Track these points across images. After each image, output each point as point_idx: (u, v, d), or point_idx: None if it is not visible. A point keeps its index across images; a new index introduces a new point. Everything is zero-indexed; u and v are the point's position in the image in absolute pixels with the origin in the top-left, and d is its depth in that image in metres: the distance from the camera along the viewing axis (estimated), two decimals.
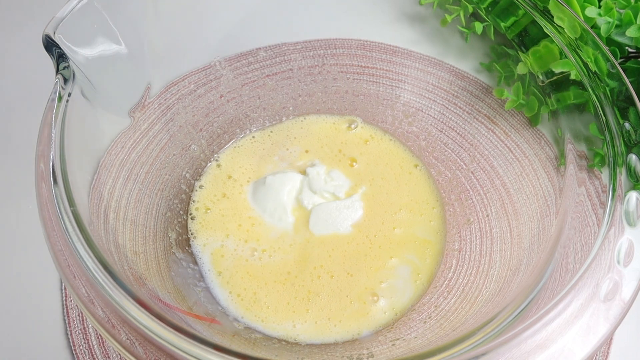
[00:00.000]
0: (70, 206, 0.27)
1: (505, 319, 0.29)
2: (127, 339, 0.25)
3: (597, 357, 0.37)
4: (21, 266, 0.41)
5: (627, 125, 0.33)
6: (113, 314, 0.25)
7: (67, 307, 0.39)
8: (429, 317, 0.37)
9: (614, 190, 0.30)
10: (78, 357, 0.37)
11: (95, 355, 0.37)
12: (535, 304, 0.29)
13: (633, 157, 0.31)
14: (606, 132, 0.33)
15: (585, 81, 0.35)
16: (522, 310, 0.29)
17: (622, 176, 0.30)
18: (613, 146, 0.32)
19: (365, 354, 0.35)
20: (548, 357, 0.25)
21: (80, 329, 0.38)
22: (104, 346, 0.38)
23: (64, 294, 0.39)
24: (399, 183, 0.43)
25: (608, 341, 0.38)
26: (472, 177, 0.41)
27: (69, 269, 0.26)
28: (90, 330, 0.38)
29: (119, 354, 0.38)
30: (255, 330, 0.37)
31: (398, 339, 0.36)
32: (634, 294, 0.26)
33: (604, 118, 0.33)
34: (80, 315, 0.39)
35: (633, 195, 0.30)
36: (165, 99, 0.41)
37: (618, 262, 0.27)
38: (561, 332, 0.26)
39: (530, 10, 0.37)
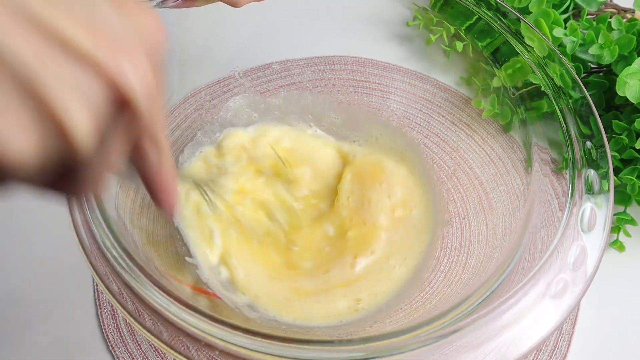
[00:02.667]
0: (100, 213, 0.30)
1: (479, 299, 0.31)
2: (151, 320, 0.28)
3: (562, 335, 0.40)
4: (56, 251, 0.43)
5: (588, 143, 0.35)
6: (141, 304, 0.28)
7: (97, 291, 0.42)
8: (415, 300, 0.39)
9: (572, 191, 0.33)
10: (108, 335, 0.41)
11: (122, 333, 0.41)
12: (505, 285, 0.31)
13: (592, 172, 0.33)
14: (567, 140, 0.35)
15: (551, 94, 0.37)
16: (494, 291, 0.31)
17: (581, 183, 0.33)
18: (573, 152, 0.34)
19: (350, 332, 0.37)
20: (511, 337, 0.28)
21: (110, 311, 0.42)
22: (129, 326, 0.41)
23: (95, 283, 0.42)
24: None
25: (573, 322, 0.41)
26: (454, 178, 0.43)
27: (100, 267, 0.29)
28: (119, 315, 0.42)
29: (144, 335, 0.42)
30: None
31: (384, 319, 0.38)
32: (580, 294, 0.29)
33: (565, 127, 0.36)
34: (110, 302, 0.42)
35: (588, 206, 0.32)
36: (184, 109, 0.45)
37: (570, 264, 0.30)
38: (522, 316, 0.28)
39: (504, 32, 0.40)
